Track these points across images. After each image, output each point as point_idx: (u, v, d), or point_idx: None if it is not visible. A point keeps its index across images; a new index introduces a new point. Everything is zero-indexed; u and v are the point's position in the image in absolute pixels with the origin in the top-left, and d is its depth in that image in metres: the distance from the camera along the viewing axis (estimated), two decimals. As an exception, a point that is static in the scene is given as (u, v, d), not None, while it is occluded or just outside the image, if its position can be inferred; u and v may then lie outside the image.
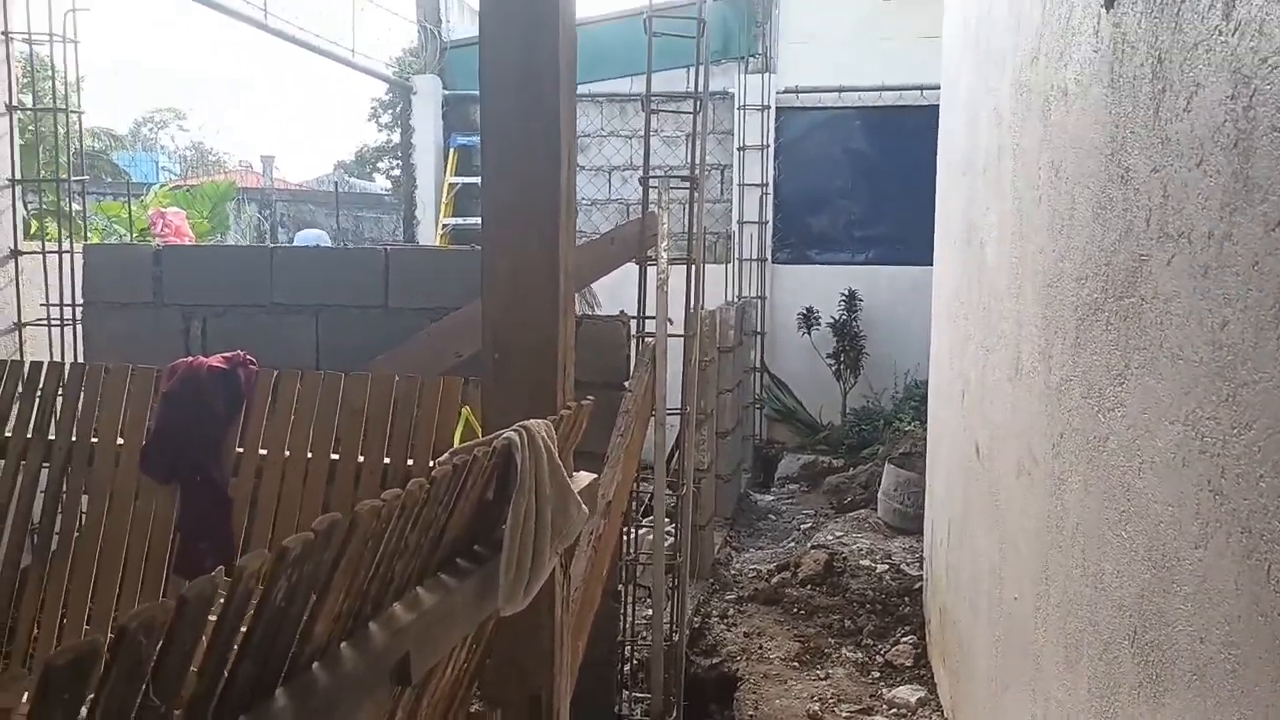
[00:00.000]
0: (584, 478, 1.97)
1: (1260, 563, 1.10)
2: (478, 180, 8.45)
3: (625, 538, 3.68)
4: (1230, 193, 1.29)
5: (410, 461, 2.44)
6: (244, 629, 0.89)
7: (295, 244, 6.87)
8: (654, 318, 3.72)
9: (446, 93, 8.69)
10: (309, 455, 2.49)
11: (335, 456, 2.49)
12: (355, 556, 1.04)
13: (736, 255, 8.23)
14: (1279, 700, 1.04)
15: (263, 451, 2.52)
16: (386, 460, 2.48)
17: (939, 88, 4.69)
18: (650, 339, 3.72)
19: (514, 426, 1.53)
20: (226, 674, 0.87)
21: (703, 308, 5.05)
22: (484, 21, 1.80)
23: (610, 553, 3.17)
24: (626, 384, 3.54)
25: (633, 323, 3.73)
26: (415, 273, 3.79)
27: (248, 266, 3.87)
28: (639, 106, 7.45)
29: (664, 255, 3.68)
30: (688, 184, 3.81)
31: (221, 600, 0.85)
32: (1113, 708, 1.56)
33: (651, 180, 3.77)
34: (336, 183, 12.88)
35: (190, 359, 2.57)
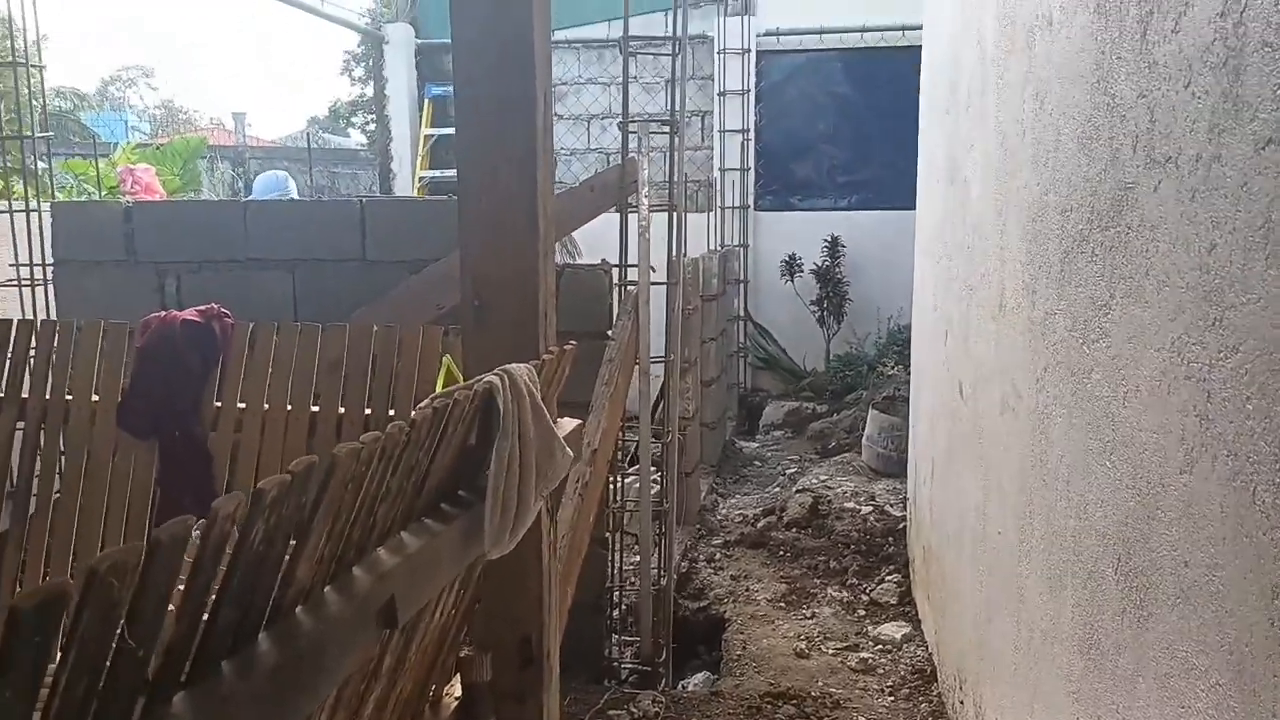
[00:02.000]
0: (568, 424, 1.95)
1: (1246, 485, 1.09)
2: (454, 131, 8.31)
3: (611, 486, 3.68)
4: (1219, 113, 1.26)
5: (392, 412, 2.41)
6: (223, 573, 0.87)
7: (256, 189, 6.67)
8: (636, 266, 3.68)
9: (420, 41, 8.50)
10: (289, 408, 2.46)
11: (315, 409, 2.46)
12: (335, 499, 1.02)
13: (719, 203, 8.16)
14: (1262, 619, 1.05)
15: (241, 405, 2.49)
16: (368, 411, 2.45)
17: (921, 27, 4.62)
18: (633, 287, 3.69)
19: (495, 370, 1.50)
20: (206, 619, 0.86)
21: (685, 256, 5.01)
22: (453, -42, 1.74)
23: (597, 500, 3.18)
24: (610, 333, 3.52)
25: (614, 271, 3.69)
26: (392, 224, 3.72)
27: (221, 221, 3.80)
28: (617, 52, 7.32)
29: (645, 202, 3.63)
30: (668, 130, 3.74)
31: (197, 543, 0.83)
32: (1096, 633, 1.57)
33: (631, 126, 3.70)
34: (309, 137, 12.63)
35: (163, 313, 2.52)
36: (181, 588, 0.81)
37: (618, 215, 3.69)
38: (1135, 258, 1.53)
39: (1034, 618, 2.00)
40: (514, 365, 1.55)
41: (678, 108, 3.67)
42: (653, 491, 3.90)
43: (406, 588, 1.20)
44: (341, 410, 2.46)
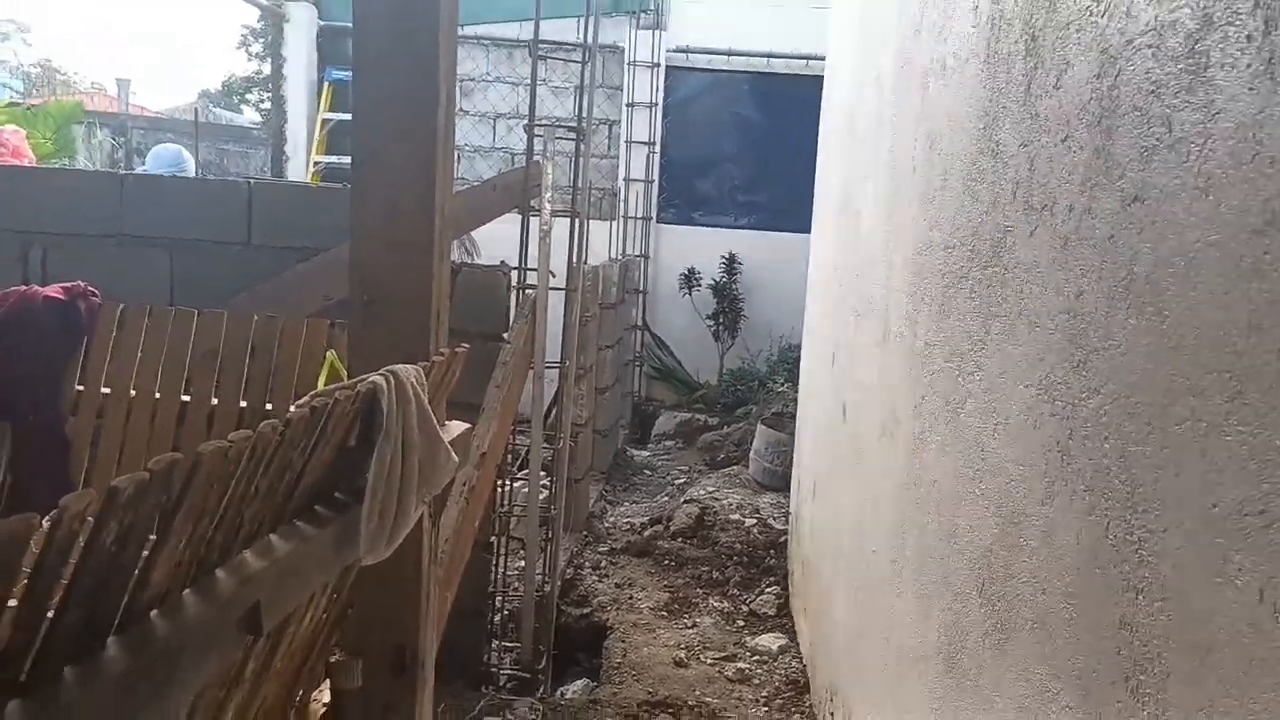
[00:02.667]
0: (456, 427, 1.92)
1: (1101, 519, 1.16)
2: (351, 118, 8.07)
3: (500, 490, 3.64)
4: (1092, 168, 1.34)
5: (269, 406, 2.32)
6: (69, 575, 0.81)
7: (150, 161, 6.34)
8: (535, 269, 3.66)
9: (322, 23, 8.23)
10: (157, 395, 2.33)
11: (186, 398, 2.34)
12: (199, 501, 0.97)
13: (622, 212, 8.19)
14: (1109, 648, 1.11)
15: (105, 390, 2.34)
16: (243, 404, 2.35)
17: (824, 58, 4.77)
18: (531, 290, 3.66)
19: (381, 371, 1.46)
20: (49, 622, 0.80)
21: (586, 263, 5.01)
22: (360, -58, 1.69)
23: (483, 504, 3.13)
24: (505, 335, 3.48)
25: (513, 273, 3.66)
26: (281, 209, 3.59)
27: (95, 192, 3.58)
28: (527, 53, 7.28)
29: (548, 206, 3.61)
30: (574, 136, 3.74)
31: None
32: (961, 654, 1.64)
33: (537, 130, 3.68)
34: (197, 110, 12.04)
35: (23, 288, 2.35)
36: (22, 584, 0.75)
37: (519, 217, 3.66)
38: (1010, 298, 1.61)
39: (903, 636, 2.08)
40: (401, 366, 1.51)
41: (585, 115, 3.67)
42: (541, 497, 3.87)
43: (273, 593, 1.15)
44: (215, 402, 2.35)
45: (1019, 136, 1.65)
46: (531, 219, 3.65)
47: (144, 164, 7.24)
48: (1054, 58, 1.51)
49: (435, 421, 1.55)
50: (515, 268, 3.67)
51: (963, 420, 1.79)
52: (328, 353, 2.29)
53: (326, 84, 8.12)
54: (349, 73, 8.02)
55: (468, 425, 2.01)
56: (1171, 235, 1.11)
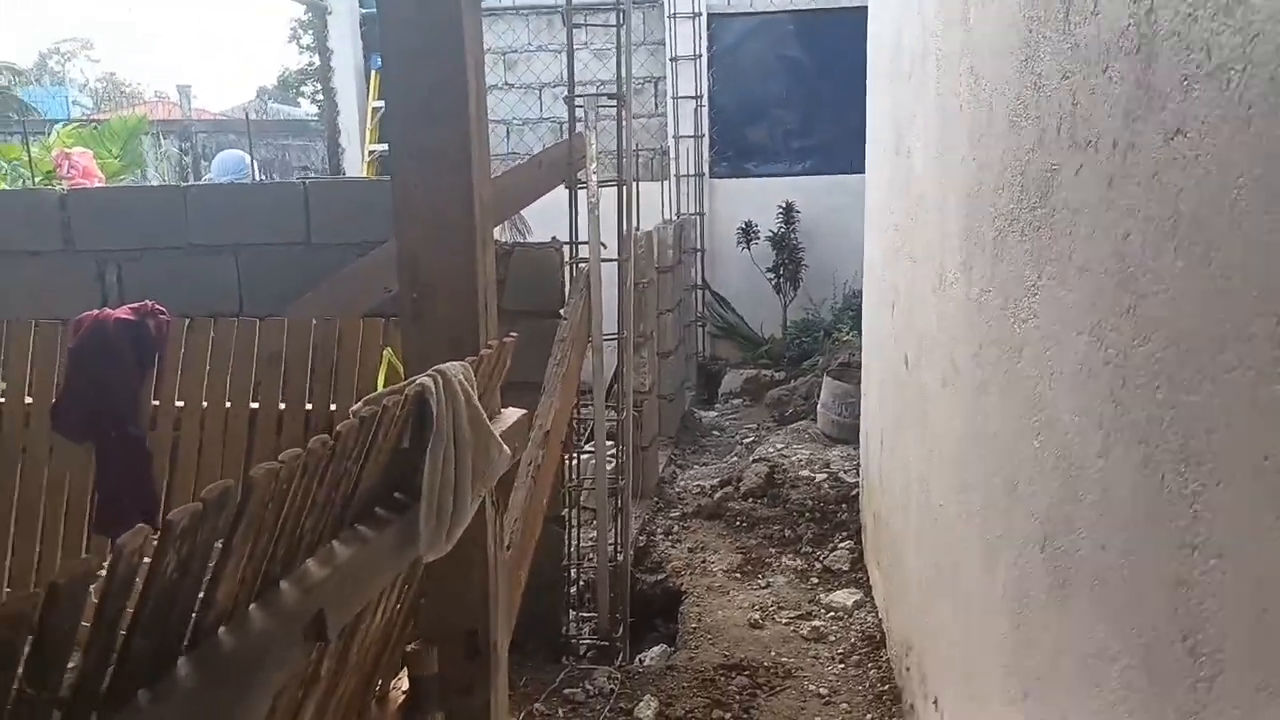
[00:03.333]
0: (511, 415, 1.95)
1: (1155, 472, 1.13)
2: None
3: (568, 463, 3.70)
4: (1134, 100, 1.28)
5: (333, 406, 2.39)
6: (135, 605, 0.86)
7: (214, 169, 6.56)
8: (587, 242, 3.66)
9: (364, 10, 8.30)
10: (228, 405, 2.42)
11: (255, 405, 2.43)
12: (255, 520, 1.01)
13: (674, 171, 8.12)
14: (1165, 606, 1.08)
15: (179, 403, 2.45)
16: (309, 407, 2.43)
17: (868, -10, 4.60)
18: (585, 264, 3.67)
19: (428, 371, 1.49)
20: (120, 650, 0.85)
21: (638, 229, 5.00)
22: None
23: (550, 481, 3.19)
24: (561, 312, 3.50)
25: (566, 249, 3.67)
26: (337, 206, 3.66)
27: (161, 207, 3.70)
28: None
29: (594, 179, 3.60)
30: (615, 102, 3.71)
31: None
32: (1025, 610, 1.62)
33: (578, 100, 3.66)
34: (247, 112, 12.27)
35: (96, 311, 2.46)
36: (88, 624, 0.80)
37: (567, 191, 3.66)
38: (1060, 240, 1.55)
39: (971, 590, 2.05)
40: (448, 365, 1.54)
41: (625, 79, 3.63)
42: (610, 468, 3.92)
43: (337, 598, 1.20)
44: (282, 406, 2.43)
45: (1060, 68, 1.57)
46: (580, 192, 3.64)
47: (208, 171, 7.47)
48: (1091, -19, 1.43)
49: (485, 417, 1.58)
50: (567, 243, 3.68)
51: (1020, 369, 1.74)
52: (385, 351, 2.36)
53: (374, 71, 8.21)
54: (391, 59, 7.94)
55: (524, 412, 2.04)
56: (1215, 170, 1.05)
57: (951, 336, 2.36)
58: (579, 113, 3.63)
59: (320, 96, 8.49)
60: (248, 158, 6.88)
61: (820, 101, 8.22)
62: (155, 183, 8.57)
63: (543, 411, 3.11)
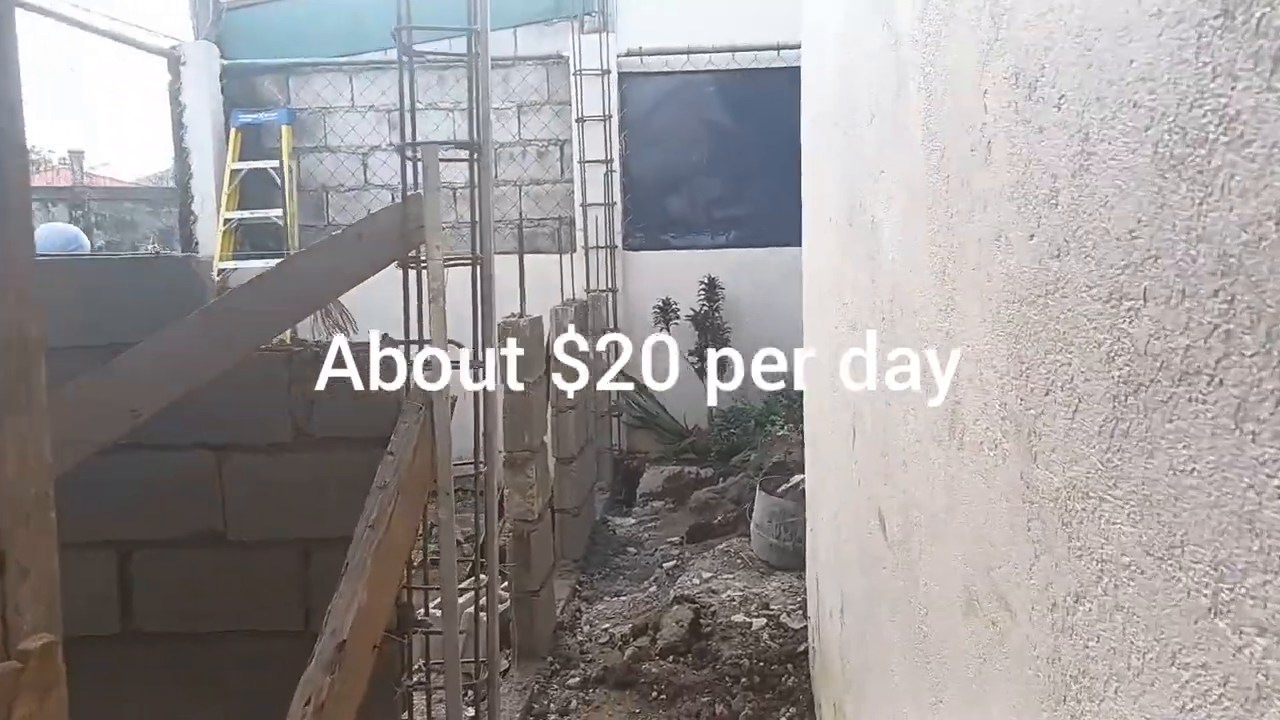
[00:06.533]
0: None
1: None
2: (267, 164, 7.07)
3: (403, 648, 2.59)
4: None
5: None
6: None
7: (38, 241, 5.40)
8: (431, 340, 2.63)
9: (225, 62, 7.25)
10: None
11: None
12: None
13: (583, 243, 7.20)
14: None
15: None
16: None
17: (799, 46, 3.81)
18: (429, 373, 2.63)
19: None
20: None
21: (521, 317, 3.99)
22: None
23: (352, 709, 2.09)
24: (388, 450, 2.44)
25: (402, 350, 2.63)
26: None
27: None
28: (462, 71, 6.31)
29: (437, 253, 2.59)
30: (469, 155, 2.73)
31: None
32: None
33: (416, 150, 2.67)
34: (74, 172, 10.94)
35: None
36: None
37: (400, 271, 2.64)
38: None
39: None
40: None
41: (480, 122, 2.66)
42: (465, 641, 2.84)
43: None
44: None
45: None
46: (419, 271, 2.63)
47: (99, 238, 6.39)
48: None
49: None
50: (402, 341, 2.65)
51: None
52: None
53: (234, 130, 7.14)
54: (260, 116, 7.02)
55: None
56: None
57: (982, 525, 1.38)
58: (419, 168, 2.64)
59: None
60: (76, 230, 5.82)
61: (746, 168, 7.44)
62: None
63: (337, 611, 2.03)
